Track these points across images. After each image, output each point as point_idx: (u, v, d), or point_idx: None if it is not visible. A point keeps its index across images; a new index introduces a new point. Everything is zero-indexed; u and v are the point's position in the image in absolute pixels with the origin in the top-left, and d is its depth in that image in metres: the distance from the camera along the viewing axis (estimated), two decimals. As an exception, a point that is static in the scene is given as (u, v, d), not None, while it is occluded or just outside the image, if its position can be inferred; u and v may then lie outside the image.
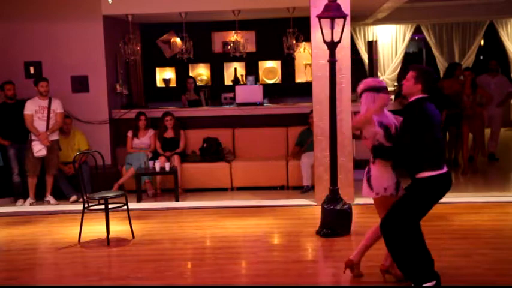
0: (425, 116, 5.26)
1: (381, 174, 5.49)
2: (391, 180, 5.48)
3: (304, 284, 5.92)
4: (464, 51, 15.95)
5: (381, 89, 5.53)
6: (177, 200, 9.49)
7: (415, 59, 16.45)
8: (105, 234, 7.40)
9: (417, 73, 5.39)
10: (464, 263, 6.16)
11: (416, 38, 16.53)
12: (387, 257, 5.62)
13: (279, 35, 12.63)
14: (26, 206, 9.48)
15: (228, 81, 14.38)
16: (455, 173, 10.67)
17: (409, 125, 5.29)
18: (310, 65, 10.27)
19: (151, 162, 9.71)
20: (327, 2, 7.46)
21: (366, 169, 5.66)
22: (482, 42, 16.02)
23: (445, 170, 5.32)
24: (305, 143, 9.91)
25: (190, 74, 14.15)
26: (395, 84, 15.77)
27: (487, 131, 11.52)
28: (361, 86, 5.62)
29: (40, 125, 9.50)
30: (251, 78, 13.02)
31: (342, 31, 7.45)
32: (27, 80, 10.25)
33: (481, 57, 16.75)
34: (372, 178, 5.54)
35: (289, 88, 14.11)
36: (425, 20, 15.75)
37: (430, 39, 16.05)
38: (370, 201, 8.80)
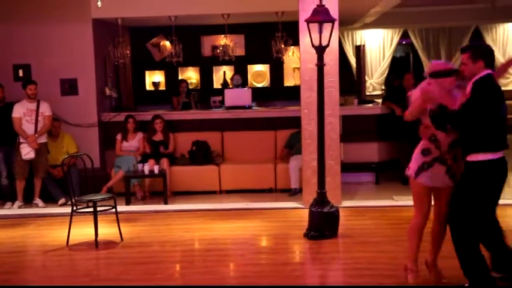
0: (495, 90, 5.08)
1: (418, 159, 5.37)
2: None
3: (293, 285, 5.93)
4: (451, 55, 16.03)
5: (450, 72, 5.24)
6: (165, 203, 9.49)
7: (402, 63, 16.52)
8: (93, 237, 7.38)
9: (471, 52, 5.16)
10: (450, 262, 6.17)
11: (404, 42, 16.60)
12: (431, 252, 5.57)
13: (267, 39, 12.63)
14: (14, 209, 9.44)
15: (217, 84, 14.37)
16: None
17: (477, 99, 4.99)
18: (298, 68, 10.29)
19: (140, 165, 9.70)
20: (315, 6, 7.48)
21: (451, 162, 5.25)
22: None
23: (499, 155, 5.05)
24: (294, 146, 9.92)
25: (180, 77, 14.12)
26: (383, 88, 15.85)
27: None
28: (433, 69, 5.32)
29: (28, 127, 9.47)
30: (238, 79, 13.01)
31: (330, 35, 7.47)
32: (16, 82, 10.19)
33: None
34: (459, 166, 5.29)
35: (278, 92, 14.13)
36: (413, 25, 15.84)
37: (417, 44, 16.14)
38: (357, 204, 8.94)
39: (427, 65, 5.34)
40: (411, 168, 5.34)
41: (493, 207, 5.25)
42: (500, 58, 16.00)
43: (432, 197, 5.44)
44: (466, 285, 5.26)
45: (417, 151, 5.35)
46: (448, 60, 5.32)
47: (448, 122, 5.13)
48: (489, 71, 5.09)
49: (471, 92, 5.03)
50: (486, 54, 5.16)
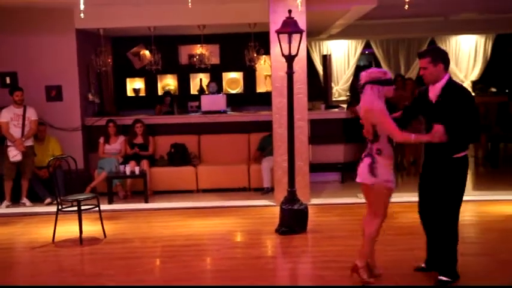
0: (469, 94, 5.11)
1: (387, 167, 5.24)
2: (392, 177, 5.29)
3: (265, 277, 5.95)
4: (409, 64, 16.23)
5: (386, 81, 5.19)
6: (146, 202, 9.45)
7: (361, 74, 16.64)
8: (78, 234, 7.34)
9: (431, 56, 5.13)
10: (408, 256, 6.25)
11: (366, 52, 16.73)
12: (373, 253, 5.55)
13: (241, 48, 12.68)
14: (2, 208, 9.33)
15: (194, 90, 14.37)
16: (400, 176, 10.86)
17: (459, 105, 4.99)
18: (270, 76, 10.33)
19: (122, 167, 9.65)
20: (285, 18, 7.52)
21: (369, 159, 5.25)
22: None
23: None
24: (266, 148, 9.95)
25: (165, 90, 14.10)
26: (348, 94, 15.95)
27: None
28: (364, 77, 5.24)
29: (15, 131, 9.40)
30: (213, 85, 13.05)
31: (299, 45, 7.51)
32: (3, 89, 10.09)
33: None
34: (379, 166, 5.20)
35: (251, 97, 14.17)
36: (374, 36, 15.98)
37: (379, 53, 16.28)
38: (325, 201, 8.99)
39: (364, 73, 5.29)
40: (391, 182, 5.30)
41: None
42: (453, 67, 16.27)
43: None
44: (445, 278, 5.31)
45: (381, 161, 5.23)
46: (388, 69, 5.27)
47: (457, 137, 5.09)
48: (449, 74, 5.14)
49: (448, 98, 5.03)
50: (445, 57, 5.17)
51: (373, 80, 5.14)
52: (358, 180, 5.37)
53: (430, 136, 5.05)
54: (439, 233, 5.32)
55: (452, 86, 5.09)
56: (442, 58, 5.13)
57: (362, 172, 5.29)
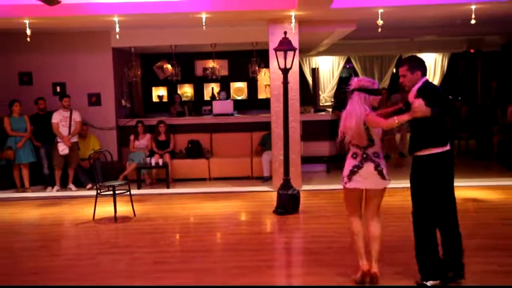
0: (438, 93, 4.40)
1: (386, 167, 4.60)
2: None
3: (265, 249, 5.90)
4: (382, 76, 16.18)
5: (373, 91, 4.55)
6: (168, 188, 9.40)
7: (346, 82, 16.53)
8: (113, 213, 7.32)
9: (408, 64, 4.51)
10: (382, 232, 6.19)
11: (347, 66, 16.66)
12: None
13: (245, 62, 12.64)
14: (53, 192, 9.33)
15: (207, 97, 14.31)
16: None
17: (431, 102, 4.27)
18: (269, 85, 10.27)
19: (148, 159, 9.60)
20: (281, 38, 7.47)
21: (371, 165, 4.50)
22: (394, 70, 16.25)
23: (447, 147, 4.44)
24: (266, 144, 9.90)
25: (178, 92, 14.06)
26: (332, 100, 15.89)
27: (398, 136, 11.74)
28: (354, 84, 4.60)
29: (64, 130, 9.38)
30: (223, 94, 13.01)
31: (293, 60, 7.46)
32: (55, 96, 10.07)
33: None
34: (384, 168, 4.52)
35: (253, 103, 14.11)
36: (354, 53, 15.93)
37: (358, 67, 16.22)
38: (314, 187, 8.95)
39: (356, 79, 4.63)
40: (344, 175, 4.58)
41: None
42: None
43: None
44: (424, 282, 4.51)
45: (347, 161, 4.62)
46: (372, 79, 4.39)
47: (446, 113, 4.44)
48: (426, 79, 4.52)
49: (422, 98, 4.33)
50: (421, 64, 4.55)
51: (362, 87, 4.53)
52: (369, 186, 4.52)
53: (411, 113, 4.31)
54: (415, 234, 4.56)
55: (426, 87, 4.45)
56: (419, 66, 4.52)
57: (370, 179, 4.49)
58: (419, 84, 4.48)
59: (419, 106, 4.25)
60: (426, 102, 4.26)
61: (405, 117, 4.37)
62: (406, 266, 4.92)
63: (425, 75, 4.55)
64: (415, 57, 4.70)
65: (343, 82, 16.34)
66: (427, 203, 4.46)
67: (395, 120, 4.38)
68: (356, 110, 4.51)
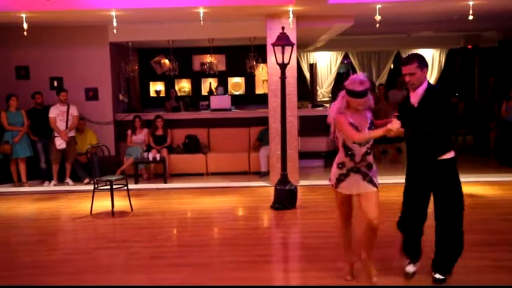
0: (447, 96, 4.33)
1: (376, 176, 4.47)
2: None
3: (262, 244, 5.91)
4: (380, 72, 16.15)
5: (352, 93, 4.23)
6: (165, 182, 9.40)
7: (344, 77, 16.58)
8: (110, 208, 7.31)
9: (418, 61, 4.30)
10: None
11: (345, 61, 16.63)
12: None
13: (243, 57, 12.61)
14: (50, 186, 9.33)
15: (204, 92, 14.28)
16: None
17: (435, 108, 4.19)
18: (266, 80, 10.26)
19: (145, 154, 9.60)
20: (279, 33, 7.46)
21: (365, 169, 4.36)
22: (392, 66, 16.26)
23: None
24: (264, 139, 9.90)
25: (176, 88, 14.04)
26: (330, 95, 15.88)
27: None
28: (347, 83, 4.30)
29: (61, 125, 9.38)
30: (220, 89, 12.99)
31: (290, 55, 7.46)
32: (52, 91, 10.04)
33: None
34: (374, 172, 4.41)
35: (251, 98, 14.07)
36: (352, 49, 15.89)
37: (355, 63, 16.19)
38: (311, 183, 8.96)
39: (349, 77, 4.26)
40: (331, 180, 4.52)
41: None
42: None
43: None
44: (442, 277, 4.50)
45: (335, 164, 4.50)
46: (365, 76, 4.04)
47: (425, 137, 4.32)
48: (427, 79, 4.40)
49: (429, 101, 4.24)
50: (427, 62, 4.40)
51: (346, 87, 4.28)
52: (357, 192, 4.42)
53: (385, 132, 4.17)
54: (448, 236, 4.43)
55: (433, 91, 4.31)
56: (426, 63, 4.36)
57: (357, 186, 4.41)
58: (424, 86, 4.33)
59: (396, 130, 4.16)
60: (434, 106, 4.18)
61: (377, 134, 4.25)
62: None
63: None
64: (419, 54, 4.49)
65: (340, 77, 16.37)
66: (461, 202, 4.40)
67: (367, 136, 4.26)
68: (332, 107, 4.47)
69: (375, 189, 4.40)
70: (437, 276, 4.52)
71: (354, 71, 16.09)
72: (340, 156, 4.45)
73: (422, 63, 4.33)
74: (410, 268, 4.69)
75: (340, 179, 4.43)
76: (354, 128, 4.27)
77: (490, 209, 7.11)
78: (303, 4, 7.81)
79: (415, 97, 4.38)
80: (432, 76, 16.02)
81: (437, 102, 4.25)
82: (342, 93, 4.36)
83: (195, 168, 10.10)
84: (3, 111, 9.29)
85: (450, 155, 4.36)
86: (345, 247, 4.72)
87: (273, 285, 4.88)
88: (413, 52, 4.80)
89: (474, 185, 8.32)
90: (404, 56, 15.94)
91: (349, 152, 4.37)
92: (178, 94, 13.95)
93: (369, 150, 4.37)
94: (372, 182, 4.39)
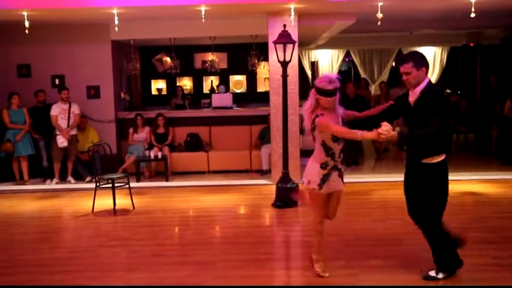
0: (445, 99, 4.24)
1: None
2: None
3: (263, 243, 5.93)
4: (381, 69, 16.14)
5: (321, 92, 4.34)
6: (167, 180, 9.42)
7: (345, 75, 16.57)
8: (112, 206, 7.34)
9: (414, 61, 4.23)
10: (380, 225, 6.26)
11: (347, 59, 16.63)
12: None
13: (245, 55, 12.62)
14: (52, 185, 9.34)
15: (206, 90, 14.29)
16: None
17: (432, 109, 4.09)
18: (268, 78, 10.26)
19: (147, 152, 9.62)
20: (280, 31, 7.46)
21: (340, 166, 4.53)
22: (394, 64, 16.25)
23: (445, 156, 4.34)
24: (265, 137, 9.91)
25: (178, 85, 14.04)
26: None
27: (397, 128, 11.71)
28: (317, 81, 4.43)
29: (63, 123, 9.39)
30: (222, 87, 13.00)
31: (292, 53, 7.46)
32: (53, 89, 10.07)
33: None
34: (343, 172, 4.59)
35: (252, 96, 14.08)
36: (353, 47, 15.88)
37: (357, 61, 16.18)
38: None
39: (320, 76, 4.52)
40: (313, 182, 4.49)
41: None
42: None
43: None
44: (434, 275, 4.56)
45: (314, 164, 4.50)
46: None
47: (418, 139, 4.29)
48: (428, 78, 4.31)
49: (426, 102, 4.17)
50: (426, 61, 4.31)
51: (317, 86, 4.35)
52: (342, 187, 4.62)
53: (375, 135, 4.10)
54: (427, 233, 4.53)
55: (431, 90, 4.23)
56: (424, 62, 4.26)
57: (336, 182, 4.56)
58: (424, 84, 4.25)
59: (386, 134, 4.04)
60: (431, 107, 4.08)
61: (368, 136, 4.19)
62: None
63: (428, 73, 4.32)
64: (419, 52, 4.47)
65: (342, 75, 16.37)
66: (440, 205, 4.40)
67: (358, 135, 4.21)
68: (304, 106, 4.53)
69: (343, 186, 4.61)
70: (425, 273, 4.59)
71: (356, 69, 16.11)
72: (320, 157, 4.47)
73: (418, 62, 4.25)
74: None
75: (324, 180, 4.46)
76: None
77: (490, 206, 7.10)
78: (305, 2, 7.81)
79: (412, 96, 4.34)
80: (434, 74, 16.01)
81: (432, 104, 4.14)
82: (312, 91, 4.40)
83: (197, 166, 10.12)
84: (5, 109, 9.32)
85: (438, 159, 4.30)
86: (319, 247, 4.78)
87: (274, 285, 4.87)
88: (411, 50, 4.76)
89: (475, 183, 8.31)
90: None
91: (330, 152, 4.43)
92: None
93: (342, 148, 4.46)
94: (342, 178, 4.57)
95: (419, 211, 4.44)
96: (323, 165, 4.46)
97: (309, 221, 4.76)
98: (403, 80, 4.34)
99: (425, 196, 4.37)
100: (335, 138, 4.39)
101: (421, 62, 4.27)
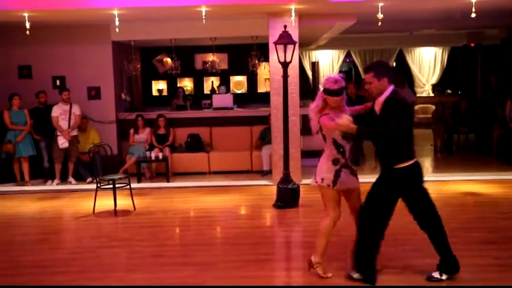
0: (407, 107, 4.32)
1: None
2: None
3: (264, 243, 5.92)
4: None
5: (328, 92, 4.45)
6: (168, 181, 9.42)
7: (346, 76, 16.58)
8: (113, 207, 7.33)
9: (375, 71, 4.31)
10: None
11: (348, 60, 16.65)
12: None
13: (245, 56, 12.62)
14: (53, 185, 9.35)
15: (206, 90, 14.30)
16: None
17: (392, 115, 4.18)
18: (268, 79, 10.27)
19: (148, 153, 9.62)
20: (281, 32, 7.46)
21: (351, 164, 4.60)
22: (394, 64, 16.25)
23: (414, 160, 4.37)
24: (266, 138, 9.90)
25: (179, 86, 14.05)
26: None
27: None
28: (323, 82, 4.53)
29: (63, 124, 9.39)
30: (223, 88, 13.01)
31: (292, 54, 7.46)
32: (54, 90, 10.07)
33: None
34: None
35: (253, 96, 14.09)
36: (354, 47, 15.92)
37: (357, 61, 16.21)
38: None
39: (324, 79, 4.52)
40: (326, 178, 4.55)
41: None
42: (417, 73, 16.21)
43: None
44: (438, 276, 4.55)
45: (327, 162, 4.58)
46: (341, 76, 4.19)
47: (374, 139, 4.52)
48: (393, 87, 4.34)
49: (388, 110, 4.25)
50: (388, 70, 4.35)
51: (324, 87, 4.47)
52: (358, 185, 4.66)
53: (336, 126, 4.33)
54: (432, 236, 4.54)
55: (393, 99, 4.27)
56: (385, 72, 4.30)
57: (355, 177, 4.63)
58: (387, 93, 4.32)
59: (343, 124, 4.28)
60: (392, 113, 4.18)
61: (331, 126, 4.40)
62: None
63: (392, 82, 4.35)
64: (381, 62, 4.58)
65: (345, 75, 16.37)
66: (390, 209, 4.47)
67: (334, 125, 4.37)
68: (311, 106, 4.63)
69: (359, 184, 4.66)
70: (429, 275, 4.61)
71: (356, 70, 16.11)
72: (332, 154, 4.56)
73: (379, 72, 4.31)
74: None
75: (337, 175, 4.53)
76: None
77: (491, 207, 7.09)
78: (305, 2, 7.81)
79: (377, 105, 4.42)
80: (434, 74, 16.03)
81: (394, 110, 4.21)
82: (320, 92, 4.54)
83: (198, 167, 10.12)
84: (6, 110, 9.32)
85: (405, 163, 4.33)
86: (324, 250, 4.78)
87: (274, 286, 4.87)
88: (376, 60, 4.84)
89: (476, 183, 8.30)
90: (406, 54, 16.01)
91: (341, 149, 4.54)
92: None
93: (352, 147, 4.55)
94: (356, 176, 4.64)
95: (368, 207, 4.50)
96: (334, 162, 4.55)
97: (321, 223, 4.73)
98: (366, 89, 4.48)
99: (383, 197, 4.44)
100: (344, 136, 4.49)
101: (383, 72, 4.32)
